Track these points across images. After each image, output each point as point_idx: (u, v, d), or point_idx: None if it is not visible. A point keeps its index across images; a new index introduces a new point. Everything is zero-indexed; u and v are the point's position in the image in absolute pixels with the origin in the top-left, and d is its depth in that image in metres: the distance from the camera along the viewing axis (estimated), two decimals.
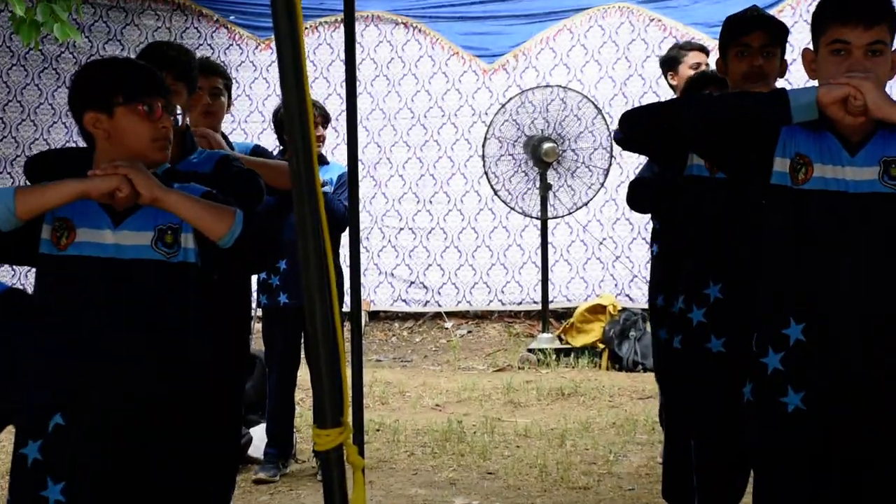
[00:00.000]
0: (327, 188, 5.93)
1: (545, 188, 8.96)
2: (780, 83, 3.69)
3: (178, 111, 3.76)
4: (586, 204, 8.97)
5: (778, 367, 2.58)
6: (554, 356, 8.74)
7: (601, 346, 8.78)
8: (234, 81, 8.97)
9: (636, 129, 3.25)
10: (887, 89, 3.14)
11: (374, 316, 10.26)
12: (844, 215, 2.57)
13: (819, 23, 2.67)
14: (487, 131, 8.94)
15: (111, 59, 2.83)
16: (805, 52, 2.75)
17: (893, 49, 2.77)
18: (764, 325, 2.71)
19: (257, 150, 4.68)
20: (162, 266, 2.95)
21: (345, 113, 5.04)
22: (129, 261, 2.92)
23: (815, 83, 2.67)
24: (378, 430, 6.87)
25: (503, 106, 9.05)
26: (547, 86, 9.17)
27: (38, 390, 2.14)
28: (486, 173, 8.94)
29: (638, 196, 4.75)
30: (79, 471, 2.67)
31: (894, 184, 2.59)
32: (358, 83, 8.83)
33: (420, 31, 10.06)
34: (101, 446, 2.81)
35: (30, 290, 3.22)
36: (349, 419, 2.43)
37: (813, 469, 2.63)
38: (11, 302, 1.87)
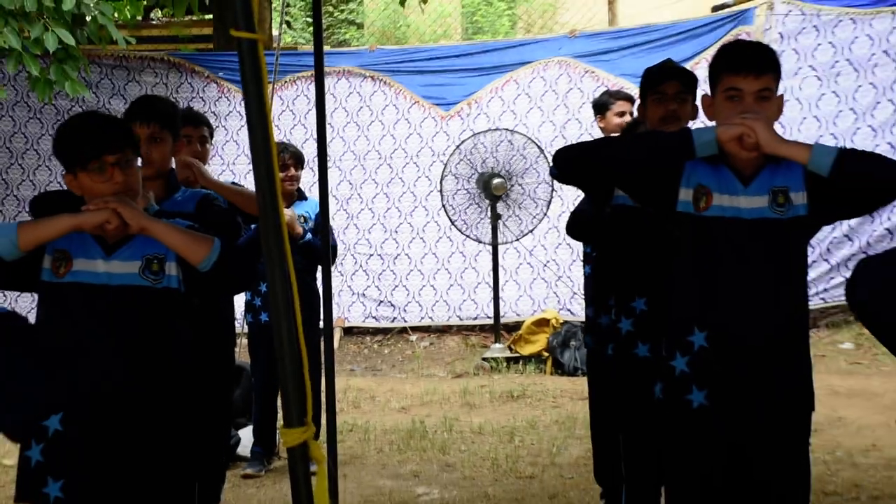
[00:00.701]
0: (309, 224, 5.95)
1: (495, 218, 8.96)
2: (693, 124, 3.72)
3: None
4: (531, 231, 8.95)
5: (684, 370, 2.66)
6: (505, 364, 8.78)
7: (546, 354, 8.78)
8: (223, 129, 9.68)
9: (566, 166, 3.29)
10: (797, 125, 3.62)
11: (349, 331, 10.19)
12: (740, 238, 2.65)
13: (716, 73, 2.76)
14: (445, 169, 8.99)
15: (72, 121, 2.83)
16: (704, 97, 2.84)
17: (778, 94, 2.89)
18: (672, 333, 2.76)
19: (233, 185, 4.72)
20: (148, 291, 2.95)
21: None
22: (118, 287, 2.92)
23: (714, 124, 2.76)
24: (351, 430, 6.88)
25: (458, 147, 9.08)
26: (496, 129, 9.14)
27: (15, 409, 2.17)
28: (444, 206, 8.95)
29: (575, 226, 4.75)
30: (75, 470, 2.67)
31: (781, 210, 2.68)
32: (331, 129, 9.60)
33: (385, 83, 10.07)
34: (95, 449, 2.80)
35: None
36: (311, 420, 2.50)
37: (712, 455, 2.69)
38: (7, 324, 2.07)
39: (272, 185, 2.36)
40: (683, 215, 2.79)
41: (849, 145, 6.81)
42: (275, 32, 11.38)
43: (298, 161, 6.12)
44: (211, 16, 11.27)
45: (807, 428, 2.82)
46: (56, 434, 2.79)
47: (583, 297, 4.98)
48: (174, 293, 3.02)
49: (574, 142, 7.82)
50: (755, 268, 2.67)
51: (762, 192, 2.69)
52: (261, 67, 2.35)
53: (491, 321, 9.37)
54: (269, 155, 2.36)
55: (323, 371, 5.76)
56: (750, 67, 2.69)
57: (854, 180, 2.63)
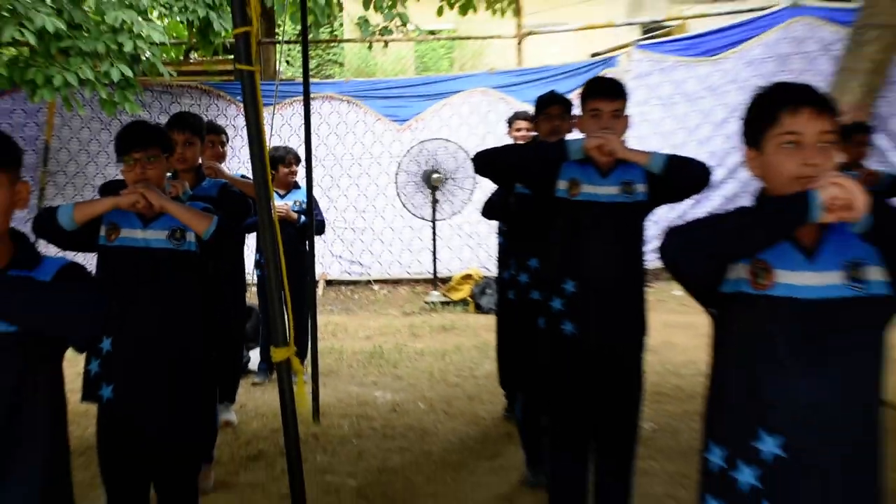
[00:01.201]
0: (303, 206, 6.24)
1: (434, 202, 9.63)
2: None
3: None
4: (460, 211, 9.59)
5: (560, 308, 3.00)
6: (440, 306, 9.52)
7: (470, 299, 9.50)
8: (240, 137, 9.87)
9: (482, 165, 3.57)
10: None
11: (330, 283, 10.79)
12: (599, 215, 2.96)
13: (584, 98, 3.05)
14: (399, 168, 9.66)
15: (122, 128, 3.10)
16: (577, 117, 3.16)
17: (625, 115, 3.21)
18: (551, 283, 3.06)
19: (242, 176, 5.01)
20: (173, 252, 3.25)
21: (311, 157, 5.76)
22: (153, 249, 3.20)
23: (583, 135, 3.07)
24: (330, 353, 7.43)
25: (408, 151, 9.73)
26: (436, 139, 9.73)
27: (89, 327, 2.22)
28: (398, 194, 9.63)
29: (488, 209, 5.13)
30: (122, 378, 2.94)
31: (628, 196, 2.99)
32: (317, 138, 9.60)
33: (357, 105, 10.80)
34: (135, 365, 3.13)
35: None
36: (292, 342, 2.89)
37: (580, 362, 3.01)
38: (73, 269, 2.25)
39: (265, 176, 2.85)
40: (561, 199, 3.06)
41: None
42: (279, 68, 12.14)
43: (297, 160, 6.38)
44: (232, 56, 11.82)
45: (641, 345, 3.09)
46: (107, 353, 3.02)
47: (496, 258, 5.26)
48: (192, 254, 3.31)
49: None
50: (609, 235, 2.96)
51: (615, 183, 2.99)
52: (256, 89, 2.77)
53: (431, 276, 10.04)
54: (262, 152, 2.87)
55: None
56: (607, 94, 3.00)
57: (678, 176, 2.93)
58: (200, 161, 4.52)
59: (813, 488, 1.83)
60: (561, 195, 3.01)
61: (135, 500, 3.30)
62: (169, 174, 3.78)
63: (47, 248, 2.73)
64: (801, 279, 1.91)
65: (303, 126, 5.71)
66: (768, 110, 1.94)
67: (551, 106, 4.18)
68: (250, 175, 6.22)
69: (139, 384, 3.15)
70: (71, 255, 2.76)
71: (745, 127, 2.04)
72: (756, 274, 1.95)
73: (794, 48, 9.52)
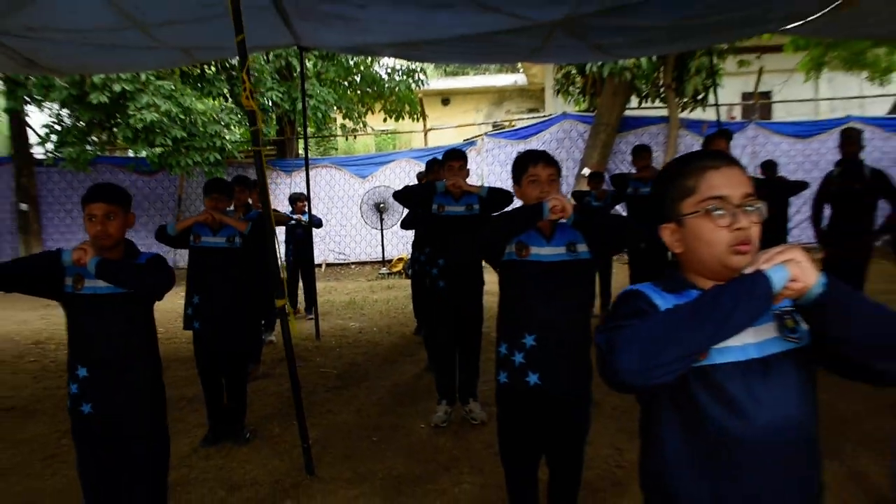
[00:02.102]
0: (308, 218, 6.45)
1: (381, 219, 10.39)
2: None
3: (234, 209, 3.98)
4: (394, 224, 10.07)
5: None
6: (387, 275, 10.65)
7: (403, 272, 10.59)
8: (274, 184, 10.77)
9: (398, 198, 3.75)
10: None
11: (329, 265, 11.90)
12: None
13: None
14: (362, 201, 10.71)
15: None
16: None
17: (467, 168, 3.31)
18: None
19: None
20: (230, 250, 3.44)
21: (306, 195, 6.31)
22: (219, 248, 3.39)
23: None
24: (327, 302, 8.36)
25: (367, 192, 10.74)
26: (383, 186, 10.78)
27: (163, 289, 2.38)
28: (362, 215, 10.74)
29: (403, 223, 5.16)
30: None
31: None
32: (318, 188, 10.92)
33: (339, 169, 12.06)
34: (219, 308, 3.27)
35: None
36: (287, 296, 3.12)
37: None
38: (157, 258, 2.29)
39: (268, 211, 3.09)
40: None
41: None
42: (299, 151, 12.92)
43: (306, 199, 6.70)
44: (273, 145, 12.73)
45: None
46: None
47: (412, 248, 5.23)
48: (239, 250, 3.60)
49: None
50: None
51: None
52: (262, 161, 3.01)
53: (381, 259, 11.23)
54: (267, 203, 3.04)
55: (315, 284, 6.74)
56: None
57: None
58: (250, 201, 4.73)
59: (551, 360, 2.23)
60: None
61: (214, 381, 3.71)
62: (230, 208, 4.15)
63: (157, 248, 3.06)
64: (543, 251, 2.27)
65: (310, 180, 6.33)
66: (521, 164, 2.24)
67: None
68: (281, 209, 6.37)
69: (224, 307, 3.57)
70: (164, 251, 3.77)
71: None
72: (520, 249, 2.30)
73: (565, 135, 11.20)
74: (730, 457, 1.20)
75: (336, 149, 18.24)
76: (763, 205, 1.22)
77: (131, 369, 2.36)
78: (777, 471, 1.19)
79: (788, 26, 4.65)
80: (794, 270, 1.09)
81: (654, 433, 1.28)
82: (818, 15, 4.23)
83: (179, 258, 10.65)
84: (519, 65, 16.56)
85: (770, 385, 1.21)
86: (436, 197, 3.81)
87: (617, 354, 1.10)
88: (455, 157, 3.85)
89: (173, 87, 9.09)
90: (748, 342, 1.22)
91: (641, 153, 5.86)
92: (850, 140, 4.70)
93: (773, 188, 5.93)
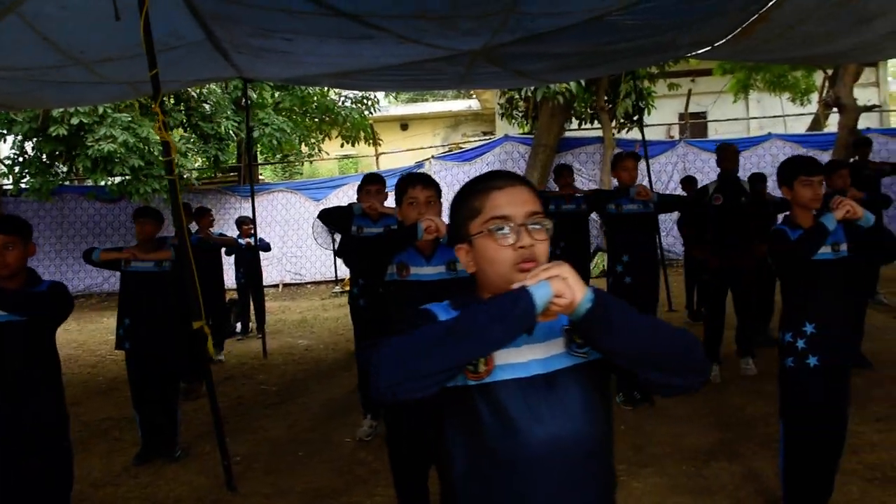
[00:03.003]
0: (257, 241, 6.58)
1: (333, 240, 9.27)
2: None
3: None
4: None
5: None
6: (339, 294, 10.73)
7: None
8: (233, 209, 10.86)
9: (320, 220, 3.91)
10: None
11: (287, 285, 11.95)
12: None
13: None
14: (314, 223, 9.31)
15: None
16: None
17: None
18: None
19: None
20: (158, 273, 3.59)
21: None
22: (147, 272, 3.60)
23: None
24: (279, 321, 8.35)
25: (318, 216, 7.46)
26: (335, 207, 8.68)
27: (63, 315, 2.47)
28: (314, 236, 9.82)
29: (338, 250, 3.95)
30: (142, 328, 2.99)
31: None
32: (273, 211, 11.38)
33: (294, 193, 12.28)
34: (150, 331, 3.48)
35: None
36: (204, 316, 3.12)
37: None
38: (57, 285, 2.40)
39: (183, 237, 3.15)
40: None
41: None
42: (261, 177, 12.13)
43: (251, 223, 6.72)
44: (233, 172, 12.87)
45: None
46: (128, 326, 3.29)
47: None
48: (168, 273, 3.73)
49: None
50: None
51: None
52: (178, 189, 4.42)
53: (334, 278, 11.39)
54: (182, 229, 3.16)
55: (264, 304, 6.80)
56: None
57: None
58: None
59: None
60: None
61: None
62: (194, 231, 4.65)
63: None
64: (423, 271, 2.30)
65: (259, 207, 6.66)
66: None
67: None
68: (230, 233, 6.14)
69: (154, 328, 3.70)
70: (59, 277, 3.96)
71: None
72: (400, 269, 2.31)
73: (507, 156, 11.29)
74: (506, 477, 1.14)
75: (301, 173, 18.29)
76: (549, 223, 1.18)
77: (35, 395, 2.38)
78: (554, 490, 1.14)
79: (698, 52, 4.88)
80: (559, 286, 1.04)
81: (446, 451, 1.22)
82: (722, 42, 4.46)
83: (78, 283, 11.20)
84: (472, 91, 16.91)
85: (552, 401, 1.16)
86: (355, 219, 3.93)
87: (374, 368, 1.05)
88: (372, 182, 3.99)
89: (131, 119, 9.20)
90: (533, 359, 1.17)
91: (563, 172, 5.92)
92: (727, 156, 4.85)
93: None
